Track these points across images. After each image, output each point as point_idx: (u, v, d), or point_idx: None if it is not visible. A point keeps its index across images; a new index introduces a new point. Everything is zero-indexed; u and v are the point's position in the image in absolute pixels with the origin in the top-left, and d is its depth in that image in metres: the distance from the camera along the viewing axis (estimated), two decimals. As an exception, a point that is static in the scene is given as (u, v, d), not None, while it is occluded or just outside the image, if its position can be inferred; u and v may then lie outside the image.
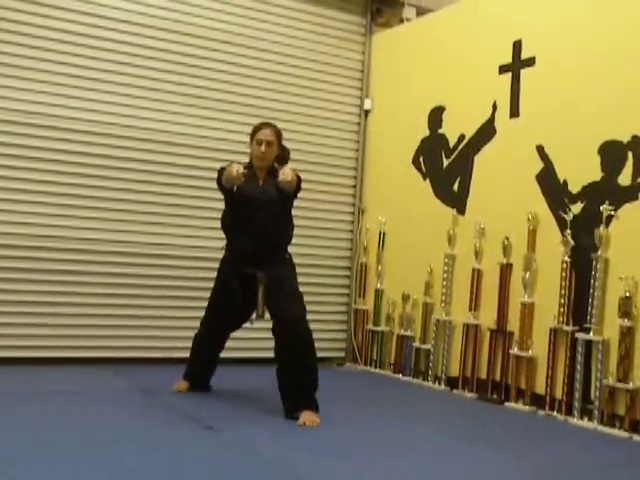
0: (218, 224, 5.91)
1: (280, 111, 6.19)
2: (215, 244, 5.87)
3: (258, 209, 4.31)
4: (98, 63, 5.68)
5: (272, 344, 4.24)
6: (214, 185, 5.80)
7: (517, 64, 5.43)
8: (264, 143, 4.32)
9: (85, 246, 5.62)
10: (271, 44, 6.35)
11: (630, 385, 4.41)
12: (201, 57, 6.07)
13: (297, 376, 4.15)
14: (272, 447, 3.56)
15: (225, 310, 4.56)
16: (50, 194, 5.53)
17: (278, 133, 4.43)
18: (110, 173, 5.71)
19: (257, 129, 4.40)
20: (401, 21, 6.81)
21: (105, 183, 5.70)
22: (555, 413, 4.84)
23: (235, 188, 4.28)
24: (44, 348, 5.47)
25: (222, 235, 5.85)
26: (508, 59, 5.48)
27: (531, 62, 5.32)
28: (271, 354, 4.27)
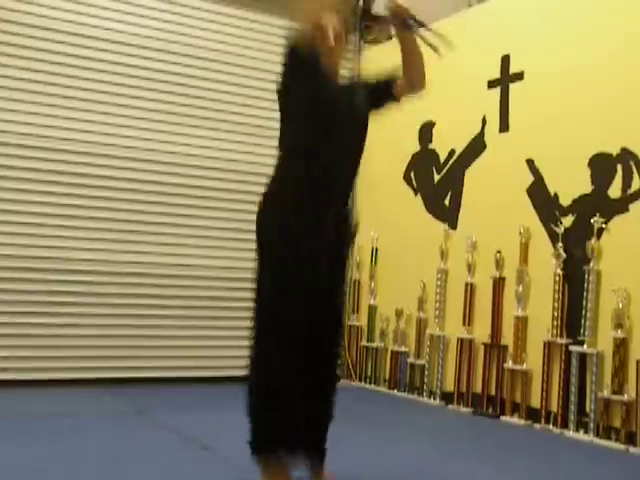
0: (218, 243, 5.95)
1: (273, 129, 6.17)
2: (211, 263, 5.94)
3: (347, 124, 2.98)
4: (90, 84, 5.69)
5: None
6: (207, 203, 5.65)
7: (506, 79, 5.46)
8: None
9: (79, 267, 5.61)
10: (260, 62, 6.38)
11: (625, 397, 4.40)
12: (199, 77, 6.10)
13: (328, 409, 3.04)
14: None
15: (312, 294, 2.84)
16: (43, 215, 5.51)
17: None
18: (102, 193, 5.71)
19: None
20: (389, 37, 6.85)
21: (99, 203, 5.70)
22: (551, 426, 4.84)
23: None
24: (37, 370, 5.43)
25: (214, 253, 5.97)
26: (496, 74, 5.52)
27: (519, 76, 5.36)
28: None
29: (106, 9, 5.77)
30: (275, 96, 2.99)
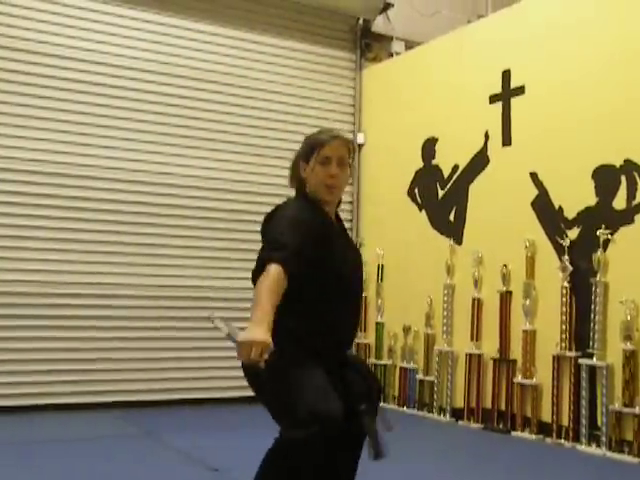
0: (225, 264, 5.89)
1: (271, 148, 6.20)
2: (221, 284, 5.93)
3: (352, 276, 2.85)
4: (88, 108, 5.72)
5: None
6: (222, 225, 5.48)
7: (507, 93, 5.47)
8: (335, 160, 2.55)
9: (86, 291, 5.61)
10: (261, 82, 6.40)
11: (637, 410, 4.37)
12: (187, 97, 6.11)
13: None
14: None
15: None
16: (53, 240, 5.54)
17: (353, 148, 2.71)
18: (117, 217, 5.77)
19: (321, 142, 2.56)
20: (390, 55, 6.88)
21: (108, 227, 5.73)
22: (562, 440, 4.80)
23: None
24: (44, 395, 5.42)
25: (221, 274, 5.97)
26: (498, 89, 5.53)
27: (521, 91, 5.37)
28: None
29: (114, 35, 5.86)
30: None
